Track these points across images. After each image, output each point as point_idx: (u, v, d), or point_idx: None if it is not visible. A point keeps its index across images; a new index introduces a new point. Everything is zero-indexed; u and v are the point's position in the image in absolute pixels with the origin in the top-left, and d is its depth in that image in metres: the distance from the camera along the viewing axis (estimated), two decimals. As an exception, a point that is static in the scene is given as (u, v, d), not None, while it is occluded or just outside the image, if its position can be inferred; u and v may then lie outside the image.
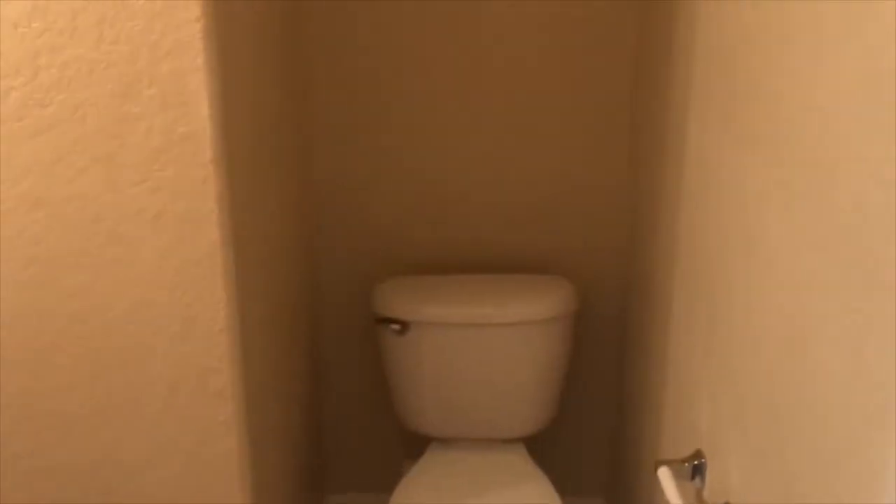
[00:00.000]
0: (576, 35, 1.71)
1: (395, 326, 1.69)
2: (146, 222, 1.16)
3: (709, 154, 1.17)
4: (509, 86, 1.75)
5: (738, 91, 1.03)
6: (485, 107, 1.77)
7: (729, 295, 1.05)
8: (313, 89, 1.76)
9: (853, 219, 0.67)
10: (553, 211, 1.82)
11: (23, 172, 1.14)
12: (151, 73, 1.10)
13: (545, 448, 1.91)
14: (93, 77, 1.10)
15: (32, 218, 1.16)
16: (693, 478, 1.12)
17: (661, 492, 1.09)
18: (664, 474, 1.10)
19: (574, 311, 1.72)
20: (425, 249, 1.86)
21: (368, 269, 1.87)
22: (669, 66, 1.43)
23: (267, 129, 1.47)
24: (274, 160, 1.52)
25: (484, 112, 1.77)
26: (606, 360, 1.93)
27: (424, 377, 1.72)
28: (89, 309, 1.19)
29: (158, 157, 1.13)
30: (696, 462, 1.13)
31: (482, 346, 1.69)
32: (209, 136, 1.12)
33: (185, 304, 1.19)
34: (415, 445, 1.91)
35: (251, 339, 1.31)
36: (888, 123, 0.60)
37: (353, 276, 1.89)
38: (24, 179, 1.14)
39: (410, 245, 1.86)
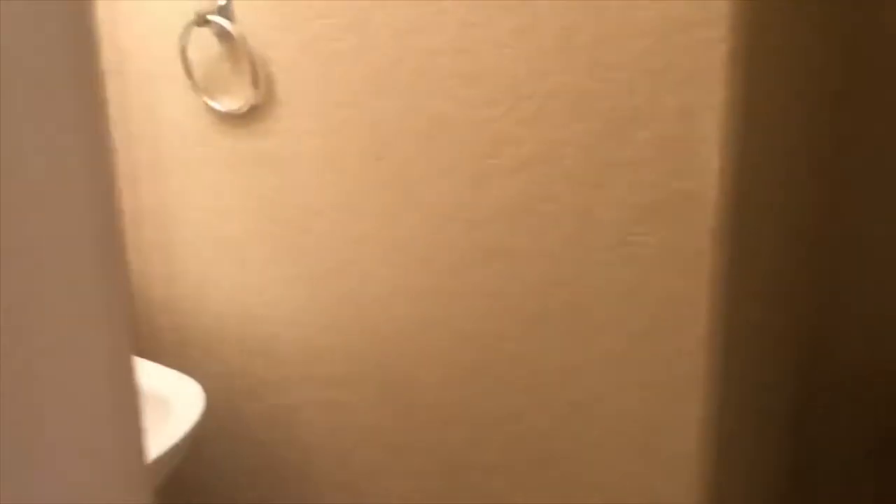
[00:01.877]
0: None
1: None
2: (615, 297, 0.91)
3: None
4: None
5: None
6: None
7: None
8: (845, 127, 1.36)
9: None
10: None
11: (485, 217, 0.97)
12: (651, 108, 0.84)
13: None
14: (579, 110, 0.88)
15: (487, 270, 0.99)
16: None
17: None
18: None
19: None
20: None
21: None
22: None
23: (778, 185, 1.13)
24: (779, 221, 1.18)
25: None
26: None
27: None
28: (518, 406, 0.99)
29: (644, 216, 0.87)
30: None
31: None
32: (716, 197, 0.83)
33: (648, 414, 0.92)
34: None
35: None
36: None
37: (868, 373, 1.44)
38: (486, 225, 0.97)
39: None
